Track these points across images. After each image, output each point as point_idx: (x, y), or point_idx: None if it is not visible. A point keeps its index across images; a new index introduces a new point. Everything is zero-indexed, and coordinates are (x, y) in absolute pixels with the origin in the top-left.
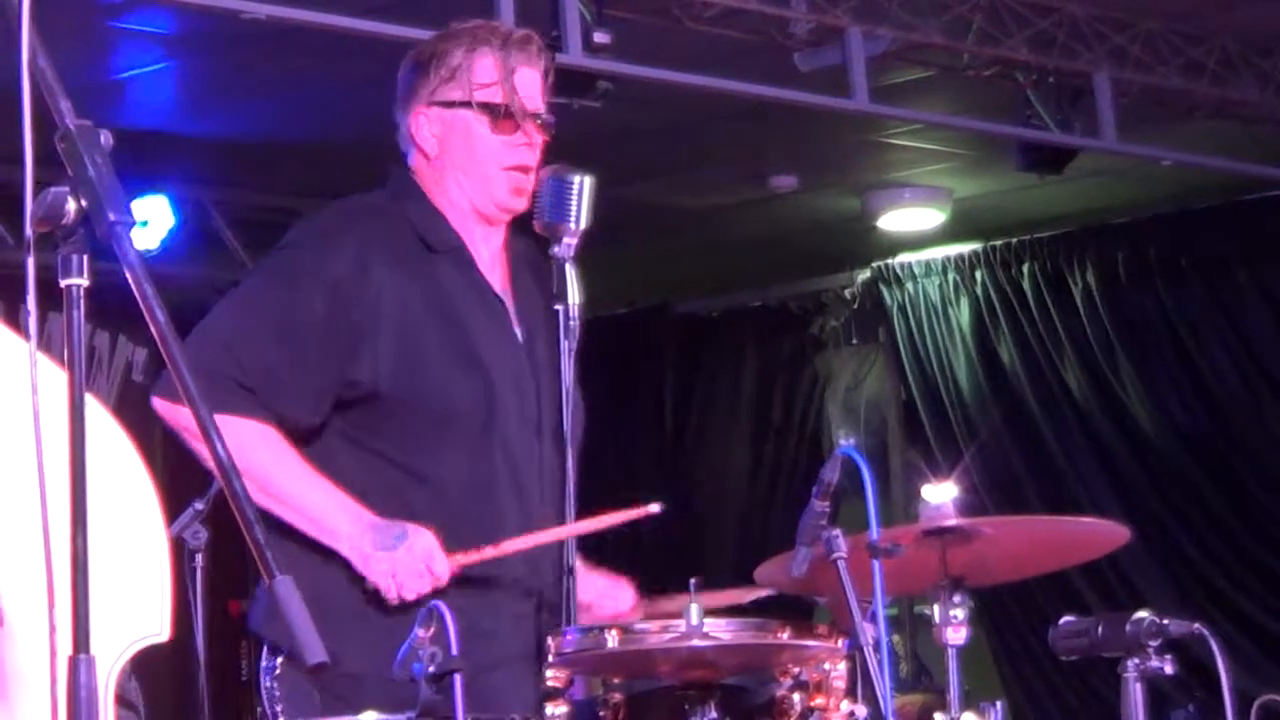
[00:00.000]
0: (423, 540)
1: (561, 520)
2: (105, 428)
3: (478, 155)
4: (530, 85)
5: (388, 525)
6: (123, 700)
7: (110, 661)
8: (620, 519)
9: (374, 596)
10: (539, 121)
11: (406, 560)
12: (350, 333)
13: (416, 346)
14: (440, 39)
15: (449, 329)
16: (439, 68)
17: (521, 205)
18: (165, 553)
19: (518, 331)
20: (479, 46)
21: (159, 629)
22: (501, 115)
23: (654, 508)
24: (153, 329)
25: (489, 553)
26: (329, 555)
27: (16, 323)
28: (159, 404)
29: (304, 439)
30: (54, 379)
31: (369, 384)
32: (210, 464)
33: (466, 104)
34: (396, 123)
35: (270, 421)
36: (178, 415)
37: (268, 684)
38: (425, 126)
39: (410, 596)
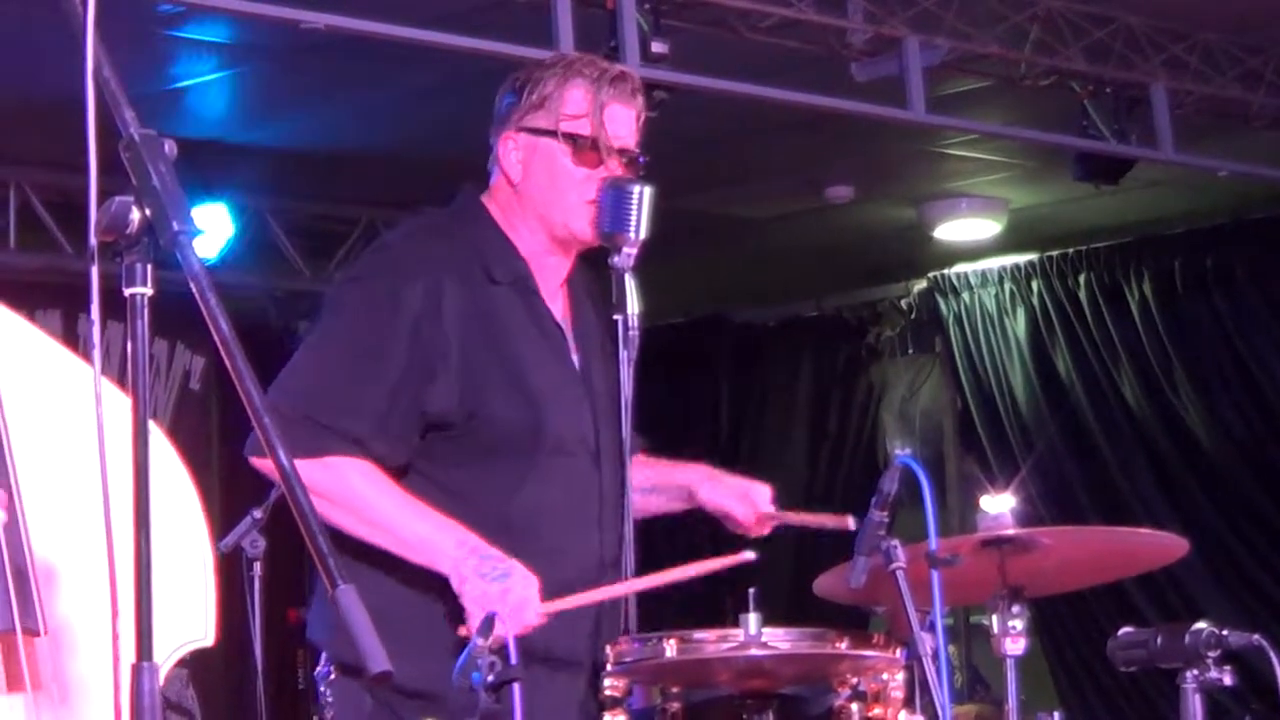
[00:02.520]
0: (523, 587)
1: (620, 544)
2: (154, 440)
3: (559, 184)
4: (621, 122)
5: (494, 557)
6: (179, 708)
7: (158, 664)
8: (713, 567)
9: (438, 610)
10: (626, 159)
11: (502, 601)
12: (427, 369)
13: (476, 378)
14: (539, 66)
15: (506, 359)
16: (531, 94)
17: (593, 238)
18: (209, 560)
19: (575, 359)
20: (573, 77)
21: (203, 633)
22: (585, 148)
23: (748, 555)
24: (216, 338)
25: (581, 599)
26: (392, 566)
27: (75, 331)
28: (255, 463)
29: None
30: (110, 396)
31: (436, 416)
32: (279, 477)
33: (552, 133)
34: (490, 143)
35: (365, 457)
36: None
37: (322, 690)
38: (512, 151)
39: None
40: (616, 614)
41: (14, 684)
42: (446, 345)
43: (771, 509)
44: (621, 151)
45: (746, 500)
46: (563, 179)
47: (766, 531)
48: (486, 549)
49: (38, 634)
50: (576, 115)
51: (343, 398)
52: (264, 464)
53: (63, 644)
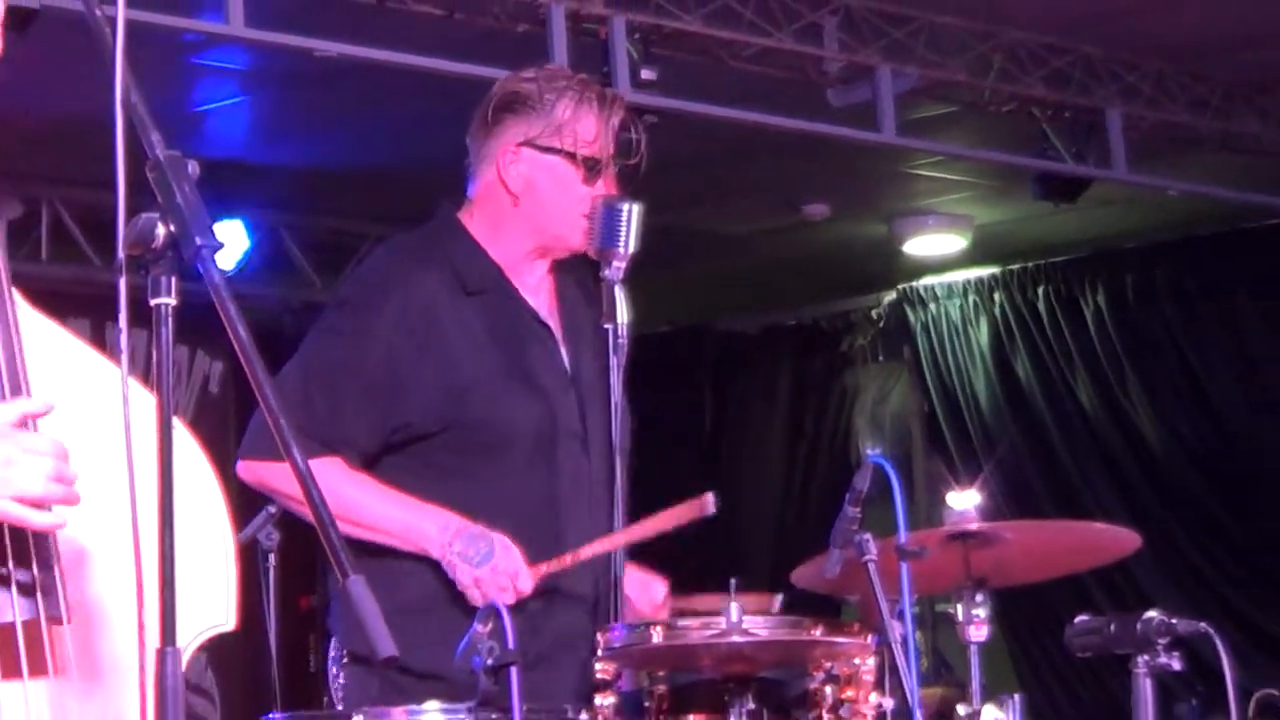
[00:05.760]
0: (509, 558)
1: (611, 528)
2: (178, 436)
3: (563, 200)
4: (617, 140)
5: (477, 535)
6: (200, 690)
7: (183, 648)
8: (678, 517)
9: (445, 599)
10: (616, 174)
11: (492, 575)
12: (397, 383)
13: (465, 384)
14: (536, 81)
15: (493, 360)
16: (542, 113)
17: (585, 249)
18: (231, 549)
19: (563, 352)
20: (583, 102)
21: (225, 619)
22: (594, 169)
23: (709, 503)
24: (235, 345)
25: (567, 561)
26: (402, 561)
27: (103, 338)
28: (242, 471)
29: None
30: (138, 394)
31: (419, 425)
32: (294, 474)
33: (568, 154)
34: (467, 149)
35: (336, 455)
36: (258, 474)
37: (334, 672)
38: (514, 165)
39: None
40: (609, 600)
41: (37, 669)
42: (420, 358)
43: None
44: (615, 171)
45: (642, 588)
46: (570, 194)
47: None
48: (468, 529)
49: (61, 622)
50: (591, 140)
51: (313, 407)
52: (251, 472)
53: (95, 625)
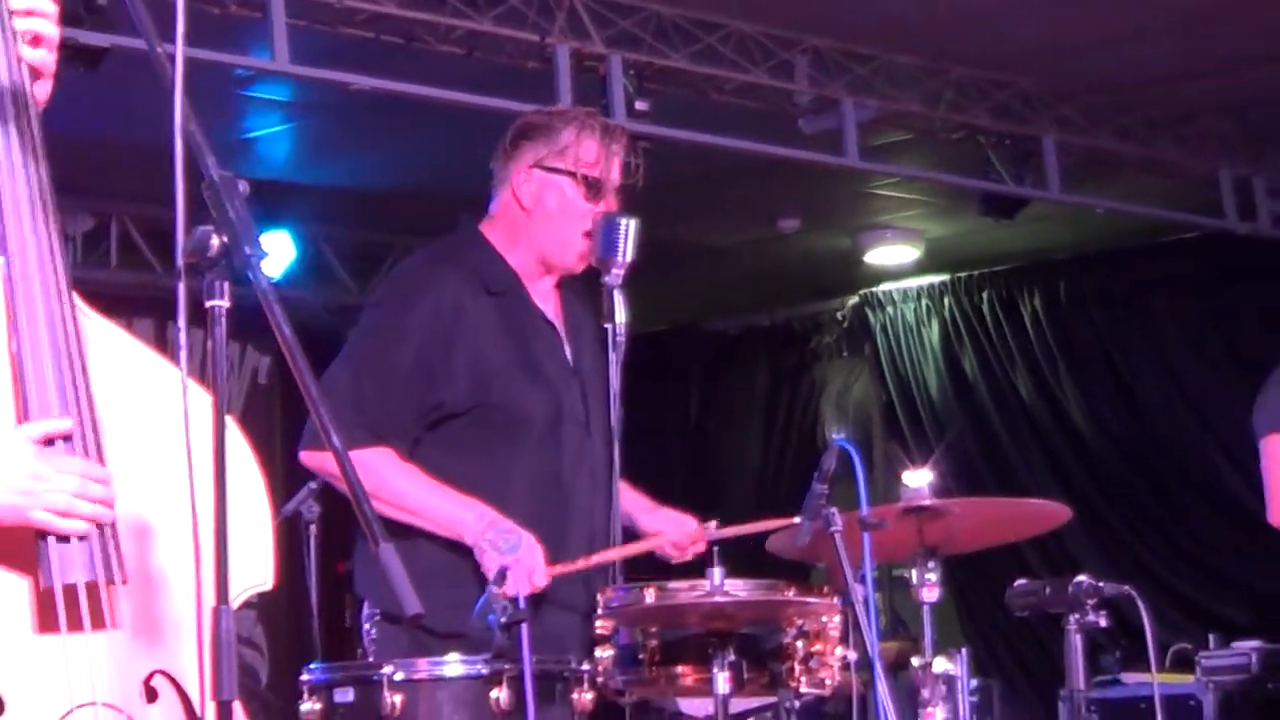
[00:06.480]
0: (532, 555)
1: (609, 500)
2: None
3: (568, 215)
4: (617, 169)
5: (508, 530)
6: (249, 642)
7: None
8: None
9: (466, 569)
10: (616, 195)
11: (515, 566)
12: (431, 371)
13: (487, 371)
14: (550, 115)
15: (510, 352)
16: (550, 139)
17: (581, 267)
18: (269, 521)
19: (567, 349)
20: (586, 131)
21: (265, 579)
22: (595, 189)
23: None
24: (280, 342)
25: (580, 565)
26: (431, 536)
27: (165, 336)
28: (304, 459)
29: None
30: (193, 390)
31: (450, 405)
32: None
33: (570, 174)
34: (493, 170)
35: (384, 445)
36: (316, 461)
37: (367, 628)
38: (526, 184)
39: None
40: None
41: (97, 624)
42: (450, 351)
43: (698, 531)
44: (616, 191)
45: (677, 524)
46: (573, 210)
47: (690, 557)
48: (501, 522)
49: (115, 583)
50: (591, 163)
51: (364, 400)
52: (311, 460)
53: (156, 588)
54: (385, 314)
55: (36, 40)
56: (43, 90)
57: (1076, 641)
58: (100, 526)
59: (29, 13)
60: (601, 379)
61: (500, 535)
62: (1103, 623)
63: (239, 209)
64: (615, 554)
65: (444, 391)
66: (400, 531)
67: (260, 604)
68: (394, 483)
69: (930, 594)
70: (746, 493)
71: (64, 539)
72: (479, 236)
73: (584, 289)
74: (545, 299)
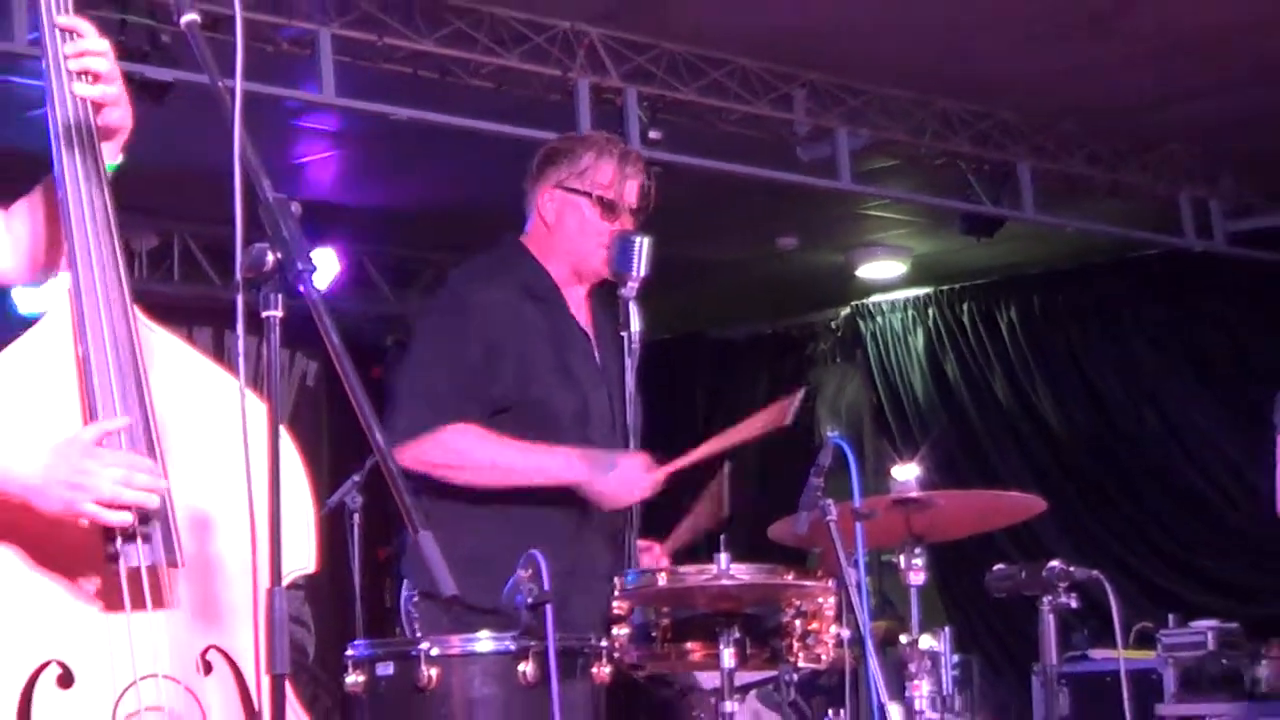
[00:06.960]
0: (629, 467)
1: None
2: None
3: (586, 232)
4: (633, 191)
5: (601, 456)
6: (299, 620)
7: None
8: (762, 424)
9: (499, 555)
10: (634, 216)
11: (620, 482)
12: (489, 367)
13: (530, 371)
14: (574, 140)
15: (550, 356)
16: (571, 162)
17: (606, 272)
18: (311, 513)
19: (597, 356)
20: (604, 155)
21: (307, 563)
22: (609, 208)
23: (788, 412)
24: (328, 348)
25: (691, 457)
26: (471, 525)
27: (223, 344)
28: (400, 455)
29: None
30: (247, 396)
31: (501, 398)
32: (375, 449)
33: (587, 194)
34: (525, 190)
35: (461, 422)
36: (416, 455)
37: (407, 609)
38: (548, 203)
39: (632, 501)
40: (623, 553)
41: (158, 603)
42: (502, 349)
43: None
44: (630, 210)
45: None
46: (590, 228)
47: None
48: (593, 453)
49: (176, 565)
50: (606, 185)
51: (436, 390)
52: (402, 455)
53: (214, 573)
54: (445, 320)
55: (96, 77)
56: (115, 118)
57: (1049, 621)
58: (157, 517)
59: (80, 54)
60: (621, 382)
61: (598, 463)
62: (1073, 604)
63: (291, 228)
64: (708, 448)
65: (498, 387)
66: (445, 526)
67: (307, 586)
68: (482, 449)
69: (916, 577)
70: (749, 485)
71: (130, 537)
72: (523, 249)
73: (606, 299)
74: (579, 307)
